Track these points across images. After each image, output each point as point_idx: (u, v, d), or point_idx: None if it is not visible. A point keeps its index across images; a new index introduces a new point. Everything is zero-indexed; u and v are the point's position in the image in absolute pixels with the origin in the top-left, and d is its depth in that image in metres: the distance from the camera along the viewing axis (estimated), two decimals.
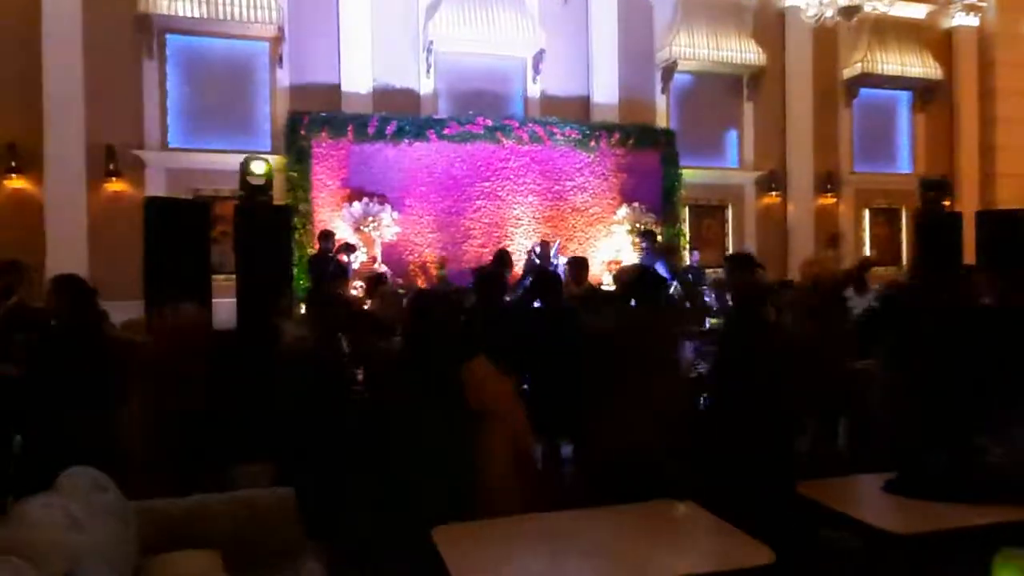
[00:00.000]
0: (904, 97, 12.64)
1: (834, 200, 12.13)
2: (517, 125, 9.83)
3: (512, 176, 9.91)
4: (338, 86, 9.80)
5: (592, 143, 10.12)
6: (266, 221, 5.06)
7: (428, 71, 10.12)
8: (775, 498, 2.41)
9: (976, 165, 12.81)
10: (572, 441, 3.82)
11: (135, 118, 9.05)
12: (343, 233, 8.87)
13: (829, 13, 8.44)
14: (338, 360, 3.40)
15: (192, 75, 9.35)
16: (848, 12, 8.25)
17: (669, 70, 11.05)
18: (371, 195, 9.23)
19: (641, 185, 10.37)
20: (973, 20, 12.74)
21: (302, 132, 9.02)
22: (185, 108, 9.34)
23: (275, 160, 9.36)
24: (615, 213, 10.22)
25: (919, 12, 12.25)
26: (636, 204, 10.17)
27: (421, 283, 9.41)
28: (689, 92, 11.52)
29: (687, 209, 11.06)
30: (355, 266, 8.00)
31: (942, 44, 12.70)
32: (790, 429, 2.73)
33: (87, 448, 2.79)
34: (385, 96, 9.98)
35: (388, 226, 9.07)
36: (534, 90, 10.64)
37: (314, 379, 3.08)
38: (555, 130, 9.94)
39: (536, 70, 10.48)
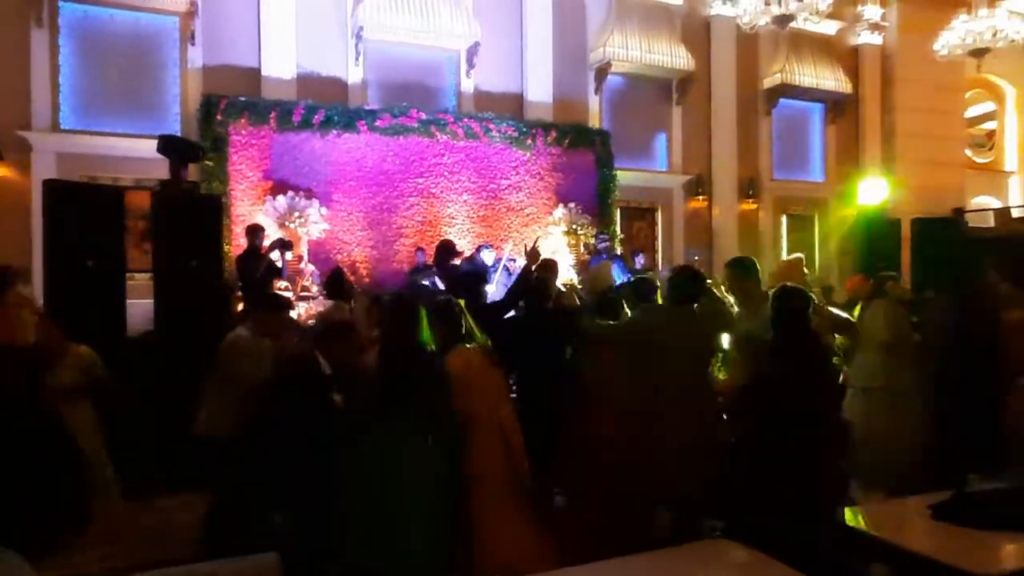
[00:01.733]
0: (818, 109, 13.22)
1: (755, 206, 12.50)
2: (452, 120, 9.45)
3: (446, 173, 9.51)
4: (258, 70, 9.07)
5: (528, 141, 9.89)
6: (192, 212, 4.42)
7: (357, 59, 9.54)
8: (826, 532, 2.18)
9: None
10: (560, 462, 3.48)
11: (20, 95, 7.97)
12: (266, 229, 8.17)
13: (763, 21, 8.59)
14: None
15: (89, 49, 8.35)
16: (782, 20, 8.43)
17: (602, 71, 10.99)
18: (296, 189, 8.57)
19: (576, 186, 10.24)
20: (877, 39, 13.50)
21: (218, 117, 8.25)
22: (81, 86, 8.33)
23: None
24: (550, 213, 10.03)
25: (831, 28, 12.83)
26: (572, 205, 10.01)
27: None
28: (621, 94, 11.52)
29: (617, 211, 11.04)
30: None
31: (851, 60, 13.39)
32: (842, 450, 2.54)
33: None
34: (310, 83, 9.32)
35: (316, 222, 8.44)
36: (467, 84, 10.28)
37: (320, 403, 2.59)
38: (491, 126, 9.63)
39: (470, 64, 10.14)
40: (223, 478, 3.05)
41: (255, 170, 8.48)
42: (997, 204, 15.66)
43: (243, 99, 8.41)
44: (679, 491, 2.61)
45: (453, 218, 9.54)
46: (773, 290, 2.80)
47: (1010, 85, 16.07)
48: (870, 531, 2.24)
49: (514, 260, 8.12)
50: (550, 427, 3.14)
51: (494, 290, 7.16)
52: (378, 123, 9.01)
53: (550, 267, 4.59)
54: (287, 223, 8.21)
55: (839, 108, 13.11)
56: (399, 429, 2.25)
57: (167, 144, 5.19)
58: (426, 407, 2.37)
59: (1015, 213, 15.12)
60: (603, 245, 8.20)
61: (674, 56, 11.24)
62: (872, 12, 13.26)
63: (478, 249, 8.13)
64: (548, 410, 3.19)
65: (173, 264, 4.23)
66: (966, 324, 3.86)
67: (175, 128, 8.71)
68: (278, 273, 6.76)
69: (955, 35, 10.41)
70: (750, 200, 12.41)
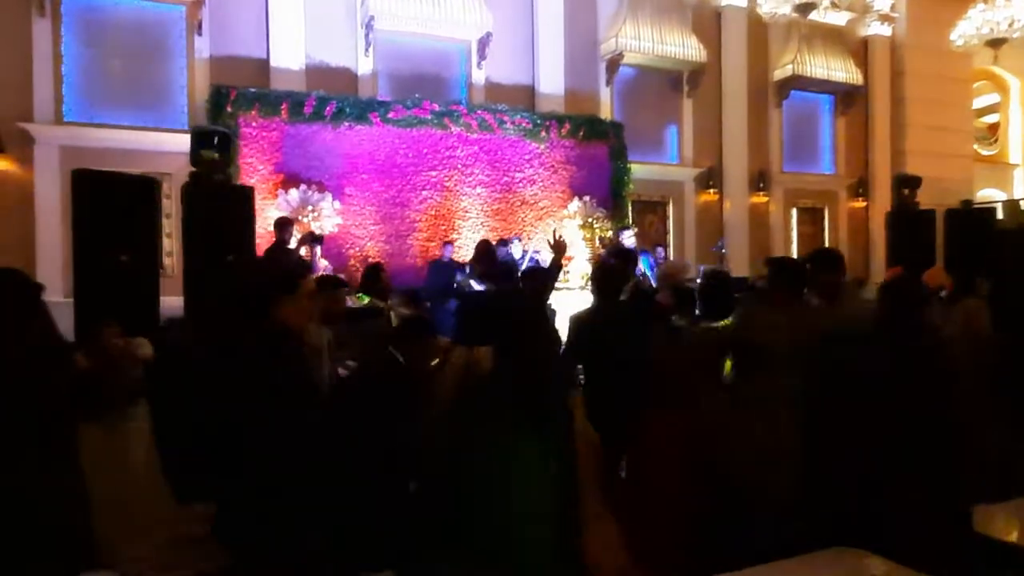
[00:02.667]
0: (827, 101, 13.11)
1: (766, 199, 12.38)
2: (466, 112, 9.24)
3: (460, 165, 9.32)
4: (266, 61, 8.83)
5: (542, 133, 9.71)
6: (224, 204, 4.21)
7: (367, 50, 9.32)
8: (963, 538, 2.03)
9: (888, 168, 13.49)
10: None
11: (22, 86, 7.69)
12: None
13: (784, 10, 8.44)
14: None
15: (93, 38, 8.08)
16: (804, 9, 8.29)
17: (614, 62, 10.81)
18: (307, 182, 8.36)
19: (590, 178, 10.07)
20: (887, 30, 13.40)
21: (228, 109, 8.01)
22: (84, 77, 8.06)
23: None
24: (565, 207, 9.85)
25: (841, 19, 12.71)
26: (587, 198, 9.84)
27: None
28: (632, 85, 11.35)
29: (630, 204, 10.88)
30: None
31: (860, 51, 13.29)
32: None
33: None
34: (319, 74, 9.09)
35: (329, 216, 8.22)
36: (478, 76, 10.08)
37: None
38: (505, 118, 9.44)
39: (481, 55, 9.93)
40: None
41: (266, 163, 8.25)
42: (1003, 196, 15.65)
43: (253, 90, 8.18)
44: (784, 497, 2.45)
45: (467, 212, 9.35)
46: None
47: (1015, 77, 16.04)
48: (1000, 536, 2.10)
49: (539, 252, 7.95)
50: (622, 423, 2.96)
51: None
52: (391, 115, 8.79)
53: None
54: (300, 217, 7.98)
55: (849, 100, 13.00)
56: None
57: (199, 135, 4.93)
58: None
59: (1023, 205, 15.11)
60: (630, 240, 8.00)
61: (686, 47, 11.07)
62: (882, 2, 13.15)
63: (503, 242, 7.94)
64: (621, 406, 3.01)
65: (206, 259, 4.01)
66: None
67: (181, 120, 8.48)
68: (307, 268, 6.54)
69: (971, 25, 10.30)
70: (761, 193, 12.29)
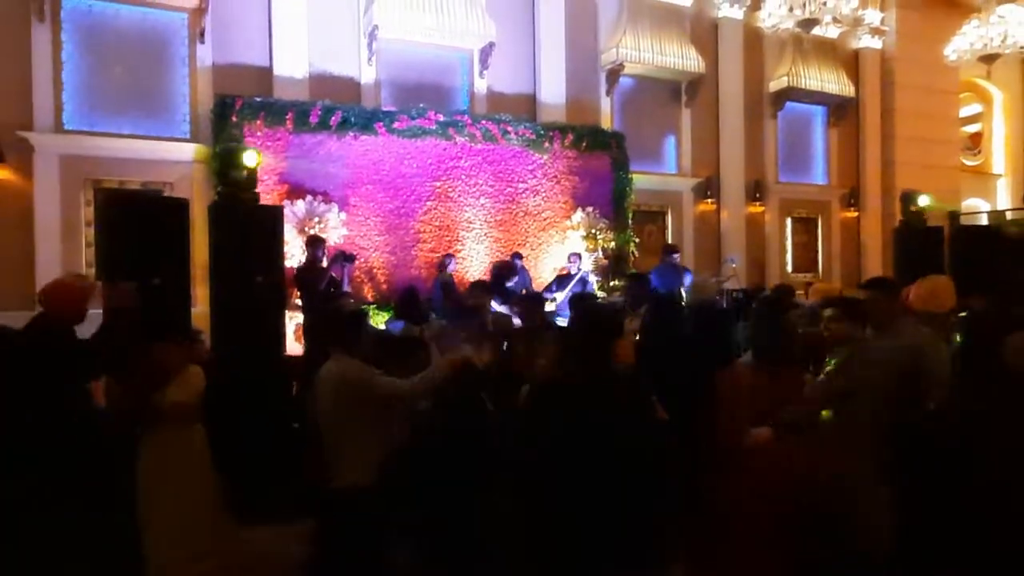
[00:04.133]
0: (820, 112, 13.29)
1: (762, 208, 12.51)
2: (470, 122, 9.22)
3: (464, 176, 9.29)
4: (269, 69, 8.74)
5: (545, 144, 9.71)
6: (253, 224, 4.15)
7: (371, 59, 9.26)
8: None
9: (879, 178, 13.71)
10: None
11: (21, 94, 7.52)
12: (284, 234, 7.86)
13: (787, 24, 8.55)
14: None
15: (94, 46, 7.93)
16: (807, 24, 8.40)
17: (615, 72, 10.87)
18: (313, 192, 8.27)
19: (593, 189, 10.09)
20: (877, 43, 13.63)
21: (233, 119, 7.90)
22: (85, 85, 7.91)
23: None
24: (568, 218, 9.87)
25: (834, 32, 12.89)
26: (589, 208, 9.86)
27: (368, 292, 8.59)
28: (631, 96, 11.41)
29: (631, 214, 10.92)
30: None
31: (852, 64, 13.49)
32: None
33: None
34: (322, 83, 9.01)
35: (335, 227, 8.15)
36: (480, 85, 10.07)
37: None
38: (509, 128, 9.43)
39: (484, 64, 9.92)
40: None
41: (271, 173, 8.15)
42: (987, 206, 15.98)
43: (259, 99, 8.08)
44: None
45: (471, 223, 9.32)
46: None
47: (998, 90, 16.40)
48: None
49: (587, 274, 7.98)
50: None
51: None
52: (396, 125, 8.74)
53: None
54: (307, 228, 7.90)
55: (841, 111, 13.20)
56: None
57: (224, 153, 4.84)
58: None
59: (1008, 215, 15.44)
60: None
61: (684, 58, 11.16)
62: (873, 16, 13.35)
63: (516, 256, 7.93)
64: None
65: (235, 280, 3.94)
66: None
67: (183, 129, 8.36)
68: (339, 286, 6.50)
69: (966, 40, 10.52)
70: (757, 203, 12.42)
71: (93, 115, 7.94)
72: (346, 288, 6.76)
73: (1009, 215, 15.45)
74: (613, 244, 9.91)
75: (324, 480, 2.92)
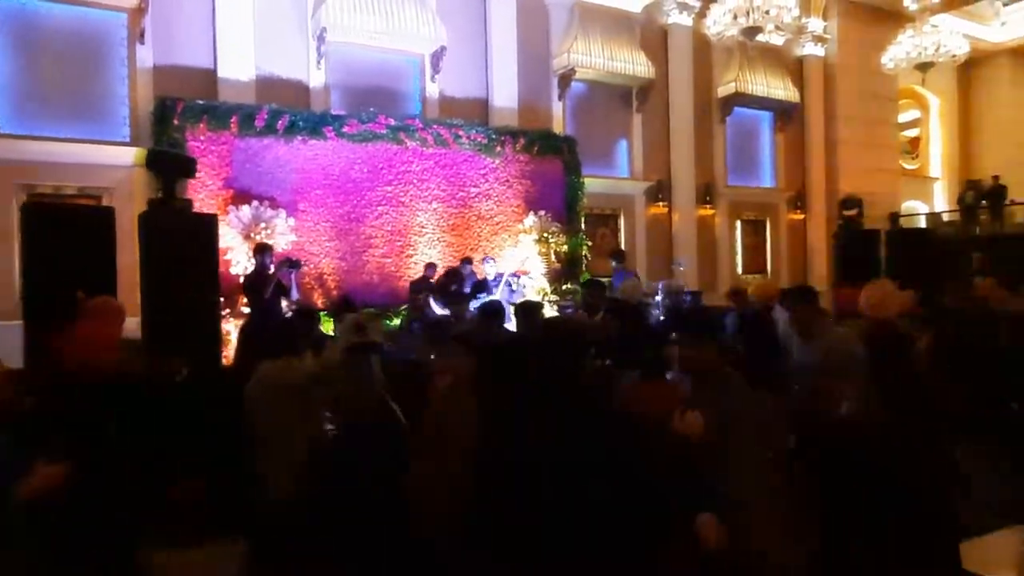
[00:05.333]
0: (767, 117, 13.62)
1: (712, 211, 12.76)
2: (421, 126, 9.17)
3: (415, 180, 9.23)
4: (213, 72, 8.54)
5: (497, 148, 9.73)
6: (186, 232, 4.04)
7: (319, 62, 9.13)
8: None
9: (823, 182, 14.11)
10: None
11: None
12: (229, 242, 7.71)
13: (732, 32, 8.74)
14: None
15: (27, 45, 7.64)
16: (750, 32, 8.60)
17: (566, 77, 10.95)
18: (259, 198, 8.11)
19: (544, 193, 10.15)
20: (820, 51, 14.04)
21: (175, 121, 7.70)
22: (17, 86, 7.61)
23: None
24: (520, 221, 9.89)
25: (779, 39, 13.23)
26: (541, 212, 9.91)
27: (318, 298, 8.46)
28: (583, 101, 11.51)
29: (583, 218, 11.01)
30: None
31: (797, 70, 13.87)
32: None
33: None
34: (269, 87, 8.86)
35: (282, 233, 8.00)
36: (432, 89, 10.03)
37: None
38: (460, 133, 9.41)
39: (435, 68, 9.88)
40: None
41: (215, 178, 7.97)
42: (925, 208, 16.62)
43: (201, 102, 7.89)
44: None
45: (423, 227, 9.27)
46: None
47: (934, 96, 17.07)
48: (981, 573, 2.21)
49: (517, 276, 7.96)
50: None
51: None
52: (346, 129, 8.64)
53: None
54: (253, 234, 7.74)
55: (787, 116, 13.55)
56: None
57: (156, 158, 4.73)
58: None
59: (945, 217, 16.09)
60: (616, 264, 8.00)
61: (635, 64, 11.32)
62: (815, 25, 13.78)
63: (465, 261, 7.92)
64: None
65: (167, 292, 3.83)
66: None
67: (123, 132, 8.11)
68: (286, 293, 6.38)
69: (902, 49, 10.91)
70: (707, 206, 12.66)
71: (26, 118, 7.64)
72: (295, 295, 6.65)
73: (945, 217, 16.13)
74: (566, 248, 9.97)
75: (259, 493, 2.86)
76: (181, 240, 4.05)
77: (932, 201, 17.10)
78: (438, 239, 9.36)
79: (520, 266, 9.65)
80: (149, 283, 3.99)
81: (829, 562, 2.34)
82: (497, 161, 9.79)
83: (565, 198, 10.33)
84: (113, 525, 2.36)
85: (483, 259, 7.72)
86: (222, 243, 7.44)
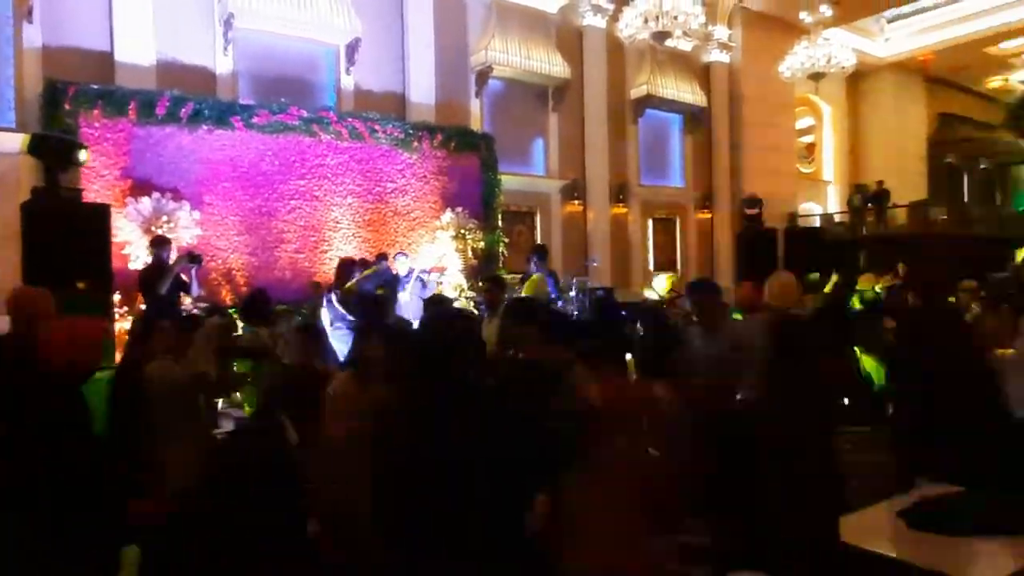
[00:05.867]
0: (677, 120, 14.15)
1: (625, 210, 13.14)
2: (335, 119, 8.98)
3: (330, 174, 9.03)
4: (110, 54, 8.05)
5: (414, 144, 9.65)
6: (74, 225, 3.79)
7: (226, 48, 8.77)
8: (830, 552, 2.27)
9: (728, 183, 14.81)
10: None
11: None
12: (127, 235, 7.30)
13: (643, 35, 9.04)
14: None
15: None
16: (660, 36, 8.92)
17: (484, 74, 11.00)
18: (161, 189, 7.71)
19: (462, 189, 10.16)
20: (725, 57, 14.72)
21: (67, 106, 7.20)
22: None
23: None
24: (437, 218, 9.86)
25: (688, 45, 13.78)
26: (459, 209, 9.91)
27: (226, 295, 8.14)
28: (500, 98, 11.59)
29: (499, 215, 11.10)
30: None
31: (704, 76, 14.48)
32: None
33: None
34: (172, 72, 8.43)
35: (186, 227, 7.65)
36: (347, 81, 9.83)
37: None
38: (376, 127, 9.28)
39: (350, 60, 9.70)
40: None
41: (111, 168, 7.52)
42: (819, 209, 17.75)
43: (96, 86, 7.42)
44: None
45: (338, 222, 9.08)
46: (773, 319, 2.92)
47: (827, 105, 18.25)
48: (859, 544, 2.41)
49: (428, 272, 7.90)
50: None
51: (408, 299, 6.95)
52: (255, 119, 8.34)
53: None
54: (153, 227, 7.36)
55: (695, 120, 14.13)
56: None
57: (40, 143, 4.40)
58: None
59: (836, 218, 17.25)
60: (535, 259, 8.07)
61: (551, 63, 11.51)
62: (721, 32, 14.43)
63: (381, 257, 7.80)
64: None
65: (51, 285, 3.58)
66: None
67: (7, 117, 7.51)
68: (186, 289, 6.07)
69: (797, 60, 11.60)
70: (620, 204, 13.03)
71: None
72: (196, 291, 6.36)
73: (836, 218, 17.30)
74: (483, 244, 10.02)
75: (154, 498, 2.75)
76: (68, 232, 3.79)
77: (826, 203, 18.28)
78: (354, 235, 9.20)
79: (437, 263, 9.64)
80: (30, 278, 3.71)
81: (729, 543, 2.50)
82: (414, 157, 9.72)
83: (482, 195, 10.37)
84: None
85: (395, 255, 7.65)
86: (120, 237, 7.16)
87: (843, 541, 2.41)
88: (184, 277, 6.02)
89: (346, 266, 6.85)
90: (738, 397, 2.93)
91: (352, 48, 9.59)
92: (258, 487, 2.25)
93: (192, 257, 6.16)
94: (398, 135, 9.46)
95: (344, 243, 9.09)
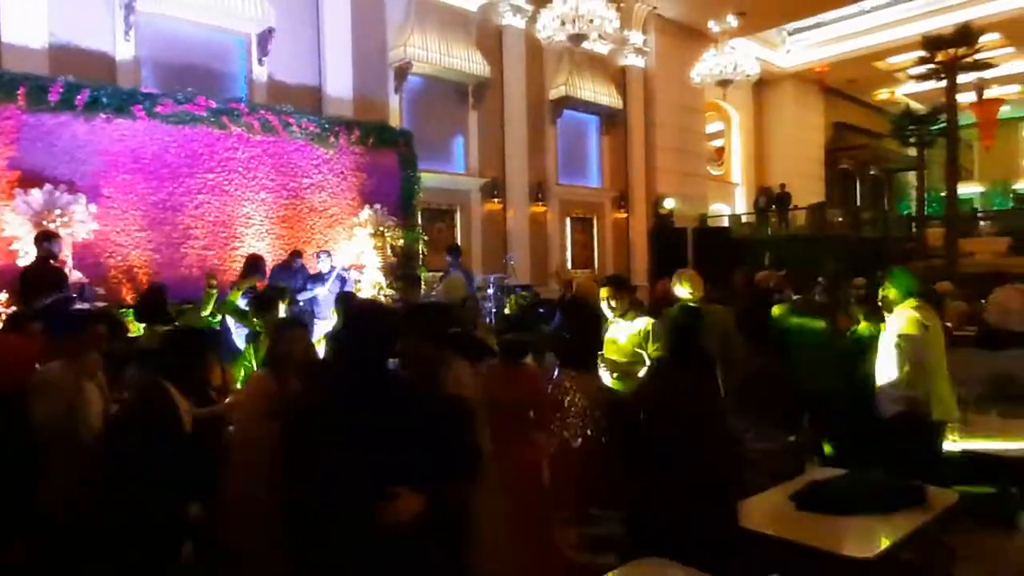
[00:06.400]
0: (594, 121, 14.48)
1: (544, 209, 13.34)
2: (247, 111, 8.66)
3: (241, 168, 8.69)
4: None
5: (331, 139, 9.43)
6: None
7: (127, 34, 8.32)
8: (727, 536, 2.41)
9: (644, 183, 15.28)
10: None
11: None
12: (15, 230, 6.80)
13: (560, 37, 9.21)
14: None
15: None
16: (576, 39, 9.11)
17: (402, 70, 10.90)
18: (54, 181, 7.21)
19: (380, 186, 10.00)
20: (640, 61, 15.17)
21: None
22: None
23: None
24: (356, 215, 9.69)
25: (605, 48, 14.12)
26: (377, 206, 9.78)
27: (127, 293, 7.72)
28: (420, 95, 11.52)
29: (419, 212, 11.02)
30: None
31: (620, 79, 14.88)
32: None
33: None
34: (67, 57, 7.92)
35: (82, 222, 7.19)
36: (260, 72, 9.53)
37: None
38: (291, 121, 9.01)
39: (263, 51, 9.41)
40: None
41: None
42: (728, 210, 18.60)
43: None
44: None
45: (250, 218, 8.77)
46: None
47: (735, 110, 19.14)
48: (753, 527, 2.57)
49: (348, 270, 7.75)
50: None
51: (327, 296, 6.80)
52: (159, 109, 7.92)
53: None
54: (45, 222, 6.88)
55: (612, 121, 14.51)
56: None
57: None
58: None
59: (743, 219, 18.11)
60: (450, 259, 8.06)
61: (471, 61, 11.54)
62: (636, 38, 14.87)
63: (295, 254, 7.62)
64: None
65: None
66: None
67: None
68: (63, 282, 5.68)
69: (706, 66, 12.11)
70: (539, 203, 13.21)
71: None
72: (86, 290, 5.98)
73: (743, 219, 18.17)
74: (402, 242, 9.93)
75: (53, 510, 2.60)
76: None
77: (734, 204, 19.19)
78: (267, 231, 8.91)
79: (356, 260, 9.48)
80: None
81: (634, 532, 2.61)
82: (331, 152, 9.50)
83: (401, 192, 10.26)
84: None
85: (317, 253, 7.49)
86: (7, 231, 6.69)
87: (742, 526, 2.57)
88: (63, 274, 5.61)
89: (253, 263, 6.63)
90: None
91: (264, 38, 9.30)
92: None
93: (47, 236, 5.67)
94: (314, 129, 9.23)
95: (257, 240, 8.78)
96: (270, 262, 8.54)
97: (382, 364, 2.06)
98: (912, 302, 3.64)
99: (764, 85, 19.22)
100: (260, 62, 9.44)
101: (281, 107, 9.07)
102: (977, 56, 15.64)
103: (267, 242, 8.84)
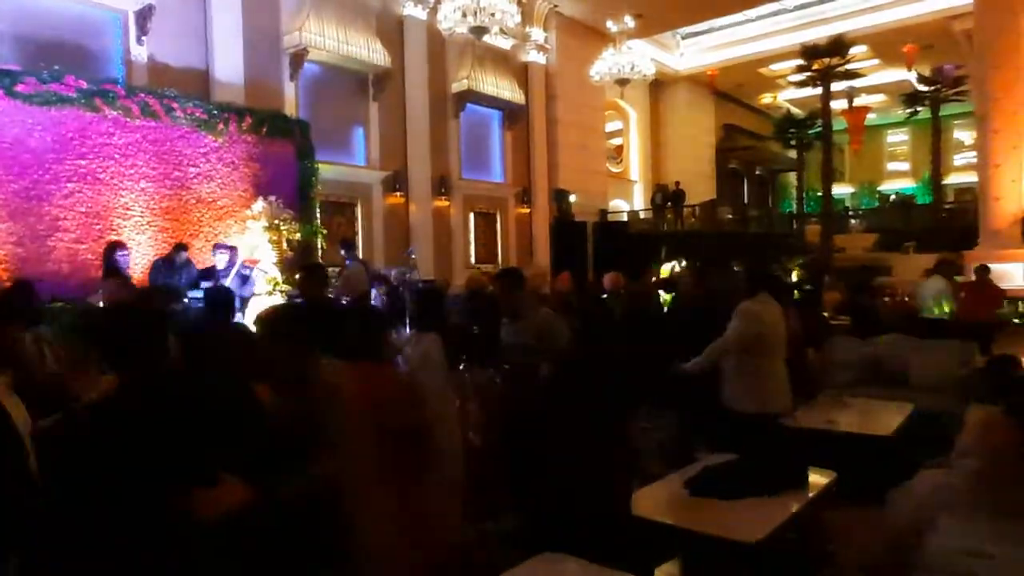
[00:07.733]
0: (497, 116, 14.49)
1: (447, 203, 13.22)
2: (124, 93, 8.02)
3: (117, 155, 8.04)
4: None
5: (220, 126, 8.90)
6: None
7: None
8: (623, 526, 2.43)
9: (546, 179, 15.46)
10: None
11: None
12: None
13: (461, 29, 9.13)
14: None
15: None
16: (478, 31, 9.07)
17: (298, 57, 10.46)
18: None
19: (275, 177, 9.55)
20: (542, 58, 15.33)
21: None
22: None
23: None
24: (248, 207, 9.20)
25: (507, 43, 14.15)
26: (272, 198, 9.33)
27: None
28: (318, 84, 11.11)
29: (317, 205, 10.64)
30: None
31: (523, 75, 14.97)
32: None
33: None
34: None
35: None
36: (139, 52, 8.86)
37: None
38: (174, 105, 8.43)
39: (142, 29, 8.75)
40: None
41: None
42: (627, 206, 19.18)
43: None
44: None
45: (128, 209, 8.13)
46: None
47: (633, 110, 19.74)
48: (648, 515, 2.63)
49: (249, 268, 7.32)
50: None
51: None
52: (20, 88, 7.19)
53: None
54: None
55: (514, 117, 14.56)
56: None
57: None
58: None
59: (641, 215, 18.72)
60: (346, 254, 7.79)
61: (371, 51, 11.24)
62: (537, 34, 15.00)
63: (179, 247, 7.12)
64: None
65: None
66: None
67: None
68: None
69: (605, 65, 12.39)
70: (442, 197, 13.08)
71: None
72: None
73: (641, 215, 18.80)
74: (299, 236, 9.53)
75: None
76: None
77: (633, 200, 19.81)
78: (148, 223, 8.29)
79: (250, 255, 9.00)
80: None
81: (534, 526, 2.60)
82: (220, 140, 8.96)
83: (298, 184, 9.85)
84: None
85: (214, 247, 7.05)
86: None
87: (635, 515, 2.61)
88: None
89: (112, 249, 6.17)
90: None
91: (143, 15, 8.66)
92: None
93: None
94: (200, 115, 8.67)
95: (137, 232, 8.17)
96: (153, 256, 8.02)
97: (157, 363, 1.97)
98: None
99: (660, 86, 19.94)
100: (139, 41, 8.78)
101: (163, 90, 8.47)
102: (848, 66, 16.93)
103: (148, 235, 8.26)
